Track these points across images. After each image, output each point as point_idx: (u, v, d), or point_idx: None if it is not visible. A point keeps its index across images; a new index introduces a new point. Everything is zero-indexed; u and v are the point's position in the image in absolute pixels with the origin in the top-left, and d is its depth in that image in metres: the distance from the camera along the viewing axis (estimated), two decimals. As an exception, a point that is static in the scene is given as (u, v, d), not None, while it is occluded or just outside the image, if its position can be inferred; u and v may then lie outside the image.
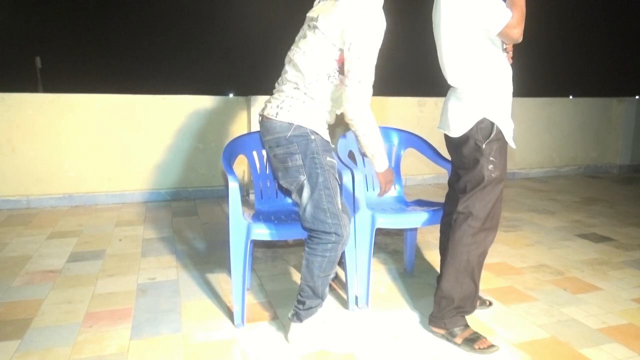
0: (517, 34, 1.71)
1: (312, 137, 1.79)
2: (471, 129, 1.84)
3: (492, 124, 1.82)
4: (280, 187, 2.42)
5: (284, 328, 2.02)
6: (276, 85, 1.92)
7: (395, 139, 2.66)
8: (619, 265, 2.79)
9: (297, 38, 1.89)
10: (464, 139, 1.87)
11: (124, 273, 2.62)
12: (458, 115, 1.88)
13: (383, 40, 1.76)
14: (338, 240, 1.80)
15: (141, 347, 1.87)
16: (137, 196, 4.27)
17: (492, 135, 1.82)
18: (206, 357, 1.81)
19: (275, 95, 1.86)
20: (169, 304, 2.25)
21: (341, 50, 1.74)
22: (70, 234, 3.32)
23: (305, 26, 1.86)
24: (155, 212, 3.91)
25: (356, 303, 2.23)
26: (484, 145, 1.83)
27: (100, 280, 2.52)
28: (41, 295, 2.32)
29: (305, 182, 1.78)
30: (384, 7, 1.76)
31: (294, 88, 1.81)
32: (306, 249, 1.86)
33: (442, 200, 2.25)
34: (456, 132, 1.89)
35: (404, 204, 2.57)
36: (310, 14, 1.86)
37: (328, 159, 1.83)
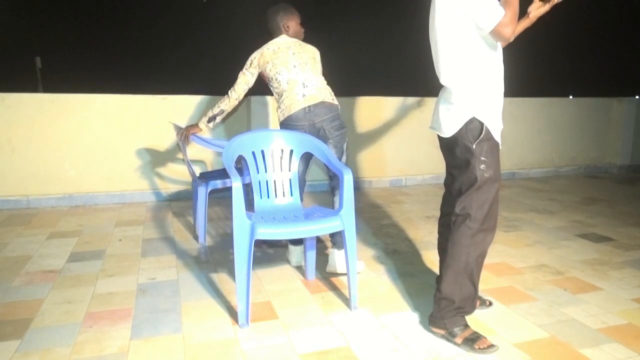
0: (509, 33, 1.70)
1: None
2: (461, 130, 1.85)
3: (482, 124, 1.83)
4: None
5: (284, 328, 2.03)
6: (312, 82, 2.55)
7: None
8: (619, 265, 2.79)
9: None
10: (455, 139, 1.88)
11: (124, 273, 2.62)
12: (448, 115, 1.89)
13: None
14: None
15: (141, 347, 1.88)
16: (137, 196, 4.27)
17: (481, 136, 1.83)
18: (206, 357, 1.81)
19: (322, 88, 2.60)
20: (169, 304, 2.25)
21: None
22: (70, 234, 3.32)
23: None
24: (155, 212, 3.91)
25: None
26: (474, 146, 1.83)
27: (100, 280, 2.52)
28: (41, 295, 2.32)
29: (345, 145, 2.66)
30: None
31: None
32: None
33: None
34: (447, 133, 1.91)
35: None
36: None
37: None
